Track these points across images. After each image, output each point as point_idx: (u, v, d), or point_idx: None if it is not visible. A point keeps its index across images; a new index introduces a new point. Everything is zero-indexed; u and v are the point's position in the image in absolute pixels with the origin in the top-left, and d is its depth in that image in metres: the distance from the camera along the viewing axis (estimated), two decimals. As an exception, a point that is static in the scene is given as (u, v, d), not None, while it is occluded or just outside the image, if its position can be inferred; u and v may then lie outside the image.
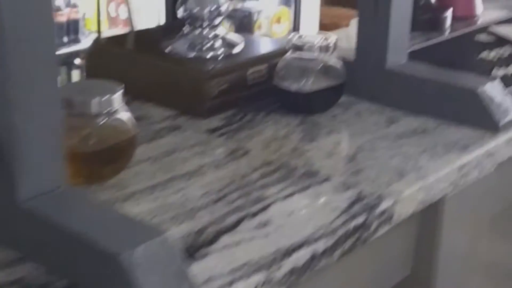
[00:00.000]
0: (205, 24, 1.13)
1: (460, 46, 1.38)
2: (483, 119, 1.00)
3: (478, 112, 1.01)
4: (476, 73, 1.21)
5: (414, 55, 1.31)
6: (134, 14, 3.29)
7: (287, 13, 3.72)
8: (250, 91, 1.09)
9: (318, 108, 1.07)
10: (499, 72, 1.22)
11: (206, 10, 1.12)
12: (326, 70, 1.06)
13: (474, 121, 1.01)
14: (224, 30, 1.16)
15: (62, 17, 3.02)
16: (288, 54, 1.06)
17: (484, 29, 1.47)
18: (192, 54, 1.11)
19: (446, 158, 0.93)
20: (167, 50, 1.12)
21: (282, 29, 3.74)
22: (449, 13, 1.53)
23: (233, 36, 1.16)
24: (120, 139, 0.83)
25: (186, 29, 1.14)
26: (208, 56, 1.12)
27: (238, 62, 1.09)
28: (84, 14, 3.13)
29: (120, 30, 3.25)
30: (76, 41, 3.07)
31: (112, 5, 3.27)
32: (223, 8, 1.13)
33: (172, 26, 1.24)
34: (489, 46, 1.36)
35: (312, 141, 0.97)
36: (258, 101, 1.09)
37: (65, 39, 3.03)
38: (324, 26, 3.37)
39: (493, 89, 1.02)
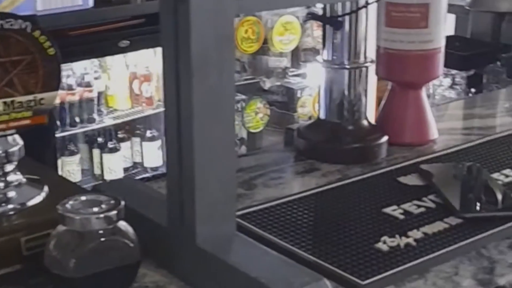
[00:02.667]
0: (-6, 170, 0.90)
1: (369, 191, 1.08)
2: None
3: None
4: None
5: (302, 201, 1.04)
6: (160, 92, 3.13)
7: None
8: (25, 264, 0.85)
9: (94, 300, 0.81)
10: (386, 242, 0.92)
11: (-11, 155, 0.89)
12: (108, 246, 0.80)
13: None
14: (20, 177, 0.92)
15: (74, 96, 2.89)
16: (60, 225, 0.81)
17: (417, 166, 1.16)
18: (-27, 209, 0.89)
19: None
20: None
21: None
22: (383, 141, 1.23)
23: (32, 185, 0.92)
24: None
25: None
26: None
27: (7, 225, 0.85)
28: (100, 94, 2.99)
29: (143, 108, 3.10)
30: (90, 121, 2.93)
31: (136, 82, 3.12)
32: (13, 152, 0.89)
33: None
34: (404, 194, 1.06)
35: None
36: (35, 278, 0.85)
37: (77, 119, 2.89)
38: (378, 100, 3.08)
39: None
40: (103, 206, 0.80)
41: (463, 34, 3.03)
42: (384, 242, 0.92)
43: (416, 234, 0.95)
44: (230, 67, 0.79)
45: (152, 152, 3.16)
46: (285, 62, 3.36)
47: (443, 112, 1.47)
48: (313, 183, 1.13)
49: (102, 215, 0.79)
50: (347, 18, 1.18)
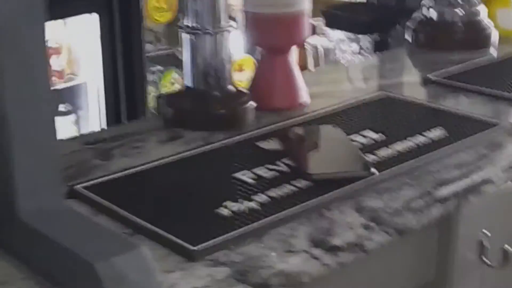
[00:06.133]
0: None
1: (226, 157, 1.07)
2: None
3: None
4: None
5: (156, 171, 1.02)
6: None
7: (251, 62, 3.43)
8: None
9: None
10: (228, 207, 0.92)
11: None
12: None
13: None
14: None
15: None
16: None
17: (279, 131, 1.16)
18: None
19: None
20: None
21: (244, 78, 3.44)
22: (249, 107, 1.22)
23: None
24: None
25: None
26: None
27: None
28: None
29: (54, 81, 3.04)
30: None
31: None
32: None
33: None
34: (259, 159, 1.05)
35: None
36: None
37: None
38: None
39: (128, 263, 0.72)
40: None
41: (370, -1, 3.04)
42: (226, 207, 0.92)
43: (262, 197, 0.95)
44: (40, 36, 0.77)
45: (67, 126, 3.12)
46: (201, 31, 3.33)
47: (319, 76, 1.47)
48: (173, 151, 1.11)
49: None
50: (206, -18, 1.16)
